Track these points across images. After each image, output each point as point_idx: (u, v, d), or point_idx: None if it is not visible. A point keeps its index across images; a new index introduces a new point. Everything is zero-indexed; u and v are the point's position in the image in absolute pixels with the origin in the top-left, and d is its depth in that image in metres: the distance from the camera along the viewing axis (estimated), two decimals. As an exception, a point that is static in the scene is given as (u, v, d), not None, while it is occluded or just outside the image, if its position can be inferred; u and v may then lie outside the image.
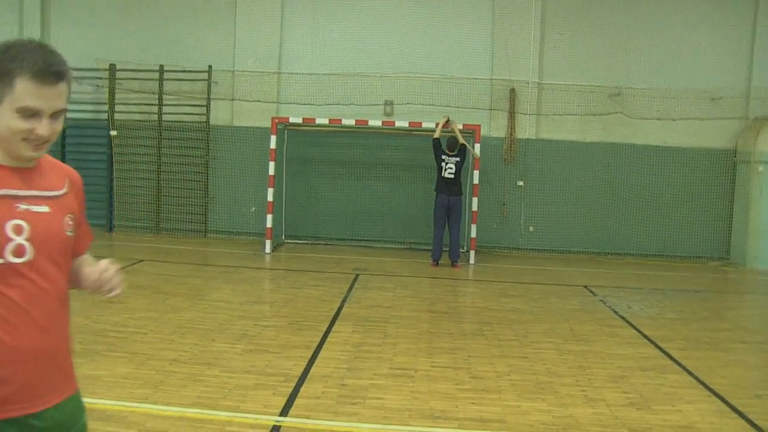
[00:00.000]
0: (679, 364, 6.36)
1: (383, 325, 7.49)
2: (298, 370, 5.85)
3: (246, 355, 6.23)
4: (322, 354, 6.37)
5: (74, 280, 2.21)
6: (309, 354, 6.34)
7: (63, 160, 14.61)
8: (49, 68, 1.88)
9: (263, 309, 8.10)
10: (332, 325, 7.43)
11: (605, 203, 13.58)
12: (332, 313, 7.97)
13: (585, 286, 10.37)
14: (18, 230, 1.92)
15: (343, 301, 8.63)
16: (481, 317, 8.09)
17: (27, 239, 1.93)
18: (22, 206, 1.95)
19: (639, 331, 7.61)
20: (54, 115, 1.93)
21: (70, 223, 2.10)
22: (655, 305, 9.17)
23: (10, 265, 1.90)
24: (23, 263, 1.92)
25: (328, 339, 6.89)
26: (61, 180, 2.14)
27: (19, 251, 1.92)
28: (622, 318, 8.29)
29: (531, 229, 13.65)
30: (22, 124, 1.88)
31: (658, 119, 13.21)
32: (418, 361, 6.25)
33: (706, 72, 13.11)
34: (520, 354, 6.58)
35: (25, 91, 1.85)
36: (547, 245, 13.58)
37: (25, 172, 1.99)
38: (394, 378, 5.76)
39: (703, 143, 13.37)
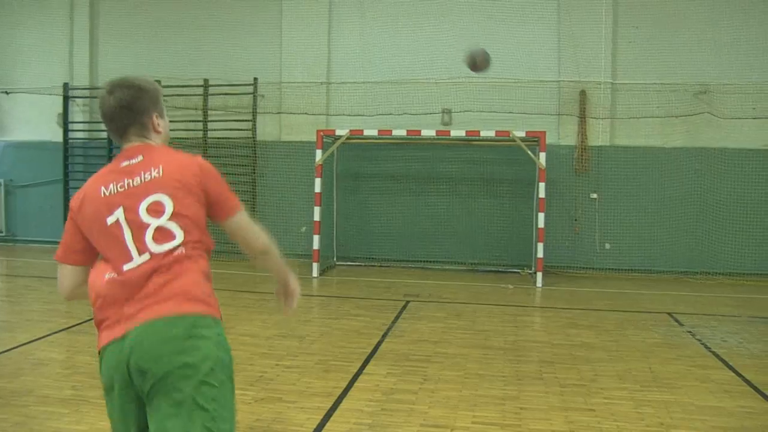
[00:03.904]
0: (796, 425, 4.96)
1: (424, 366, 6.37)
2: (310, 426, 4.82)
3: (254, 406, 5.24)
4: (344, 404, 5.31)
5: None
6: (329, 404, 5.29)
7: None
8: None
9: (291, 345, 7.10)
10: (365, 366, 6.37)
11: (693, 216, 12.01)
12: (369, 350, 6.92)
13: (670, 314, 8.92)
14: None
15: (385, 335, 7.56)
16: (542, 355, 6.84)
17: None
18: None
19: (739, 375, 6.20)
20: None
21: None
22: (758, 338, 7.66)
23: None
24: None
25: (356, 384, 5.82)
26: None
27: None
28: (716, 356, 6.86)
29: (607, 246, 12.23)
30: None
31: (754, 119, 11.59)
32: (457, 415, 5.09)
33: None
34: (585, 405, 5.32)
35: None
36: (626, 264, 12.12)
37: None
38: (424, 440, 4.64)
39: (808, 144, 11.69)
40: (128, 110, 2.44)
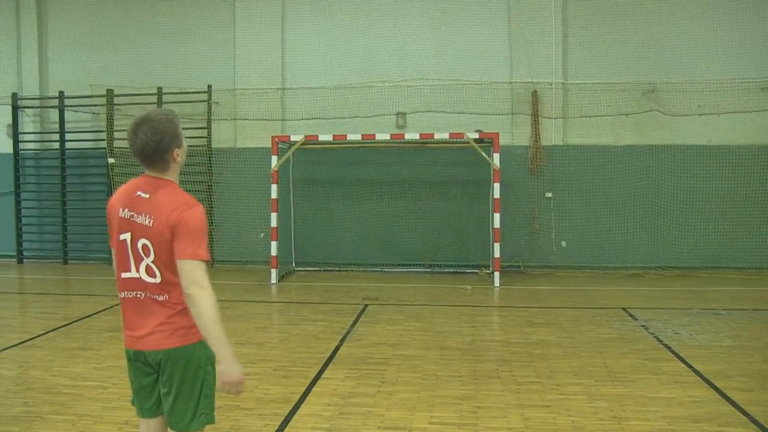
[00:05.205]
0: (744, 412, 5.08)
1: (382, 369, 6.38)
2: (268, 433, 4.80)
3: (211, 415, 5.18)
4: (302, 409, 5.30)
5: None
6: (287, 409, 5.28)
7: (62, 190, 13.94)
8: None
9: (249, 352, 7.06)
10: (323, 370, 6.36)
11: (645, 212, 12.27)
12: (327, 355, 6.91)
13: (624, 309, 9.10)
14: None
15: (343, 339, 7.56)
16: (499, 354, 6.92)
17: None
18: None
19: (689, 365, 6.36)
20: None
21: None
22: (707, 330, 7.86)
23: None
24: None
25: (314, 389, 5.81)
26: None
27: None
28: (668, 348, 7.03)
29: (563, 244, 12.42)
30: None
31: (700, 115, 11.92)
32: (414, 416, 5.12)
33: (752, 59, 11.82)
34: (541, 402, 5.40)
35: None
36: (582, 261, 12.33)
37: None
38: (381, 442, 4.66)
39: (752, 140, 12.04)
40: (153, 152, 2.98)
